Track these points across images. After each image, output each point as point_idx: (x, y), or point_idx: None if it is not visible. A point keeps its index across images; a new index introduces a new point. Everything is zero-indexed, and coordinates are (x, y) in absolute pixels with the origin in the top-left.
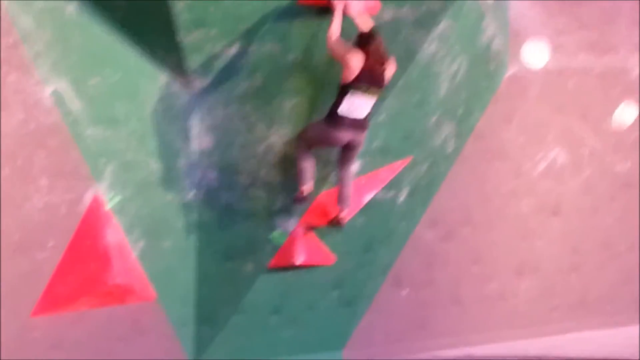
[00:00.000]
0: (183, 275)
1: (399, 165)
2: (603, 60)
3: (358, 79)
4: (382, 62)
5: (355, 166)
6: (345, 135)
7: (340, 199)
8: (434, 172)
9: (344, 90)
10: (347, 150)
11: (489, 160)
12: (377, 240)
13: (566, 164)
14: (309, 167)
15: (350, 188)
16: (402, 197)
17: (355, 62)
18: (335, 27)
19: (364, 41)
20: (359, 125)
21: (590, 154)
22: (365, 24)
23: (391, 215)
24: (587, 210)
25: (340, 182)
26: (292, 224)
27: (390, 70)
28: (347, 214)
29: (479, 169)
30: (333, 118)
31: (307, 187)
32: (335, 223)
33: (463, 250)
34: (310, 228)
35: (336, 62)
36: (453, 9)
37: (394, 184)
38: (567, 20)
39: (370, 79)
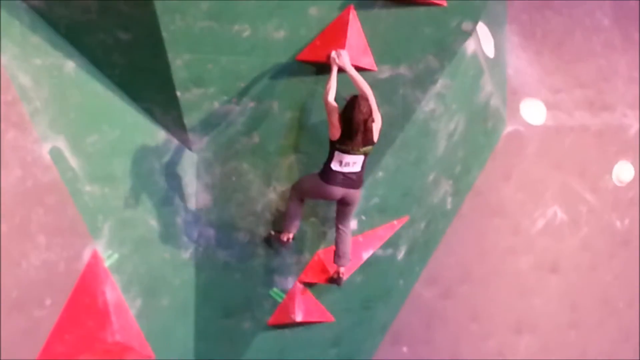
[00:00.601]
0: (181, 333)
1: (397, 223)
2: (600, 117)
3: (342, 137)
4: (365, 120)
5: (353, 224)
6: (337, 191)
7: (337, 257)
8: (432, 230)
9: (332, 147)
10: (343, 207)
11: (487, 218)
12: (376, 298)
13: (564, 222)
14: (295, 215)
15: (348, 245)
16: (401, 254)
17: (336, 127)
18: (330, 85)
19: (350, 101)
20: (351, 181)
21: (588, 211)
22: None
23: (389, 273)
24: (586, 268)
25: (337, 240)
26: (291, 282)
27: (376, 129)
28: (345, 272)
29: (477, 226)
30: (326, 173)
31: (288, 235)
32: (333, 281)
33: (461, 307)
34: (308, 285)
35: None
36: (451, 67)
37: (392, 242)
38: (564, 78)
39: (355, 142)
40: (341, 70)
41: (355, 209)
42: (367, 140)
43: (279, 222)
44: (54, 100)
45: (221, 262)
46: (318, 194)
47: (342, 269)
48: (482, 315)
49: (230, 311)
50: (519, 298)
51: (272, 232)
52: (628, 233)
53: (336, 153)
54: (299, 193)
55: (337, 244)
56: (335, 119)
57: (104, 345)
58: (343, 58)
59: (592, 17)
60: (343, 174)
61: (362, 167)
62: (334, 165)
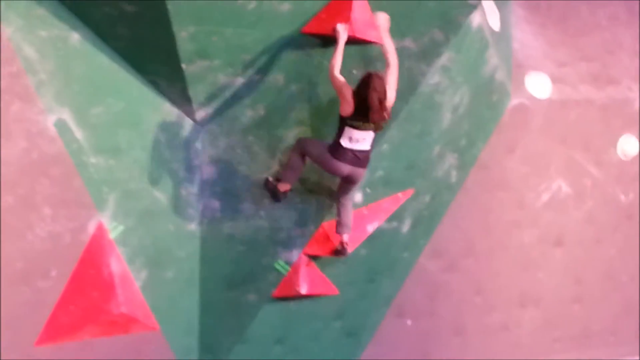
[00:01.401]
0: (186, 304)
1: (402, 196)
2: (605, 91)
3: (354, 113)
4: (380, 99)
5: (357, 196)
6: (344, 168)
7: (339, 225)
8: (436, 203)
9: (342, 123)
10: (347, 183)
11: (491, 191)
12: (380, 271)
13: (569, 195)
14: (297, 168)
15: (349, 215)
16: (405, 228)
17: (348, 102)
18: (336, 59)
19: (364, 79)
20: (359, 160)
21: (593, 185)
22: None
23: (394, 246)
24: (590, 241)
25: (339, 210)
26: (295, 254)
27: (389, 106)
28: (350, 245)
29: (481, 199)
30: (335, 149)
31: (285, 186)
32: (338, 252)
33: (466, 281)
34: (313, 258)
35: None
36: (456, 40)
37: (397, 215)
38: (569, 51)
39: (366, 115)
40: (348, 42)
41: (357, 186)
42: (381, 117)
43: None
44: (59, 72)
45: (226, 234)
46: (323, 165)
47: (345, 238)
48: (486, 289)
49: (235, 283)
50: (523, 271)
51: (271, 179)
52: (632, 207)
53: (346, 129)
54: (304, 151)
55: (338, 214)
56: (348, 94)
57: (109, 317)
58: (381, 21)
59: None
60: (352, 151)
61: (371, 145)
62: (344, 142)
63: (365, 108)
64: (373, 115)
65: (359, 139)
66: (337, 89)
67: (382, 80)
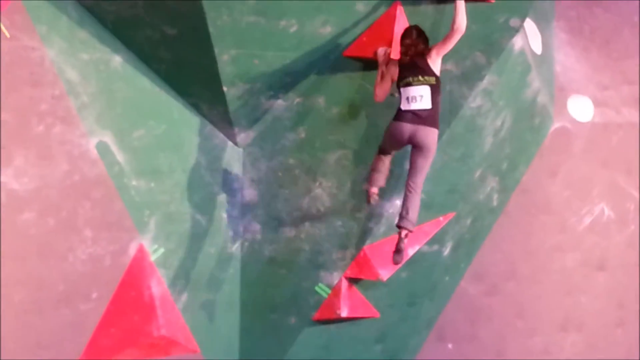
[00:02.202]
0: (226, 327)
1: (443, 219)
2: None
3: (402, 74)
4: (420, 53)
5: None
6: (406, 128)
7: (400, 217)
8: (478, 226)
9: (398, 88)
10: (416, 152)
11: (533, 215)
12: (421, 294)
13: (611, 219)
14: (376, 169)
15: (414, 206)
16: (446, 251)
17: (394, 68)
18: (378, 84)
19: (403, 36)
20: (420, 118)
21: (635, 208)
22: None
23: (435, 269)
24: (633, 266)
25: (404, 197)
26: (336, 277)
27: (439, 52)
28: (392, 268)
29: (523, 223)
30: (397, 113)
31: (372, 188)
32: (396, 251)
33: (507, 304)
34: (354, 281)
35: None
36: (498, 64)
37: (438, 238)
38: (612, 75)
39: (412, 68)
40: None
41: (429, 157)
42: (424, 68)
43: (325, 216)
44: (101, 94)
45: (267, 257)
46: (391, 137)
47: (404, 234)
48: (528, 313)
49: (276, 306)
50: (566, 295)
51: (365, 184)
52: None
53: (401, 90)
54: (381, 144)
55: (403, 202)
56: (392, 66)
57: (149, 339)
58: None
59: None
60: (412, 111)
61: (433, 103)
62: (403, 105)
63: (404, 60)
64: (412, 64)
65: (415, 97)
66: (385, 77)
67: (416, 30)
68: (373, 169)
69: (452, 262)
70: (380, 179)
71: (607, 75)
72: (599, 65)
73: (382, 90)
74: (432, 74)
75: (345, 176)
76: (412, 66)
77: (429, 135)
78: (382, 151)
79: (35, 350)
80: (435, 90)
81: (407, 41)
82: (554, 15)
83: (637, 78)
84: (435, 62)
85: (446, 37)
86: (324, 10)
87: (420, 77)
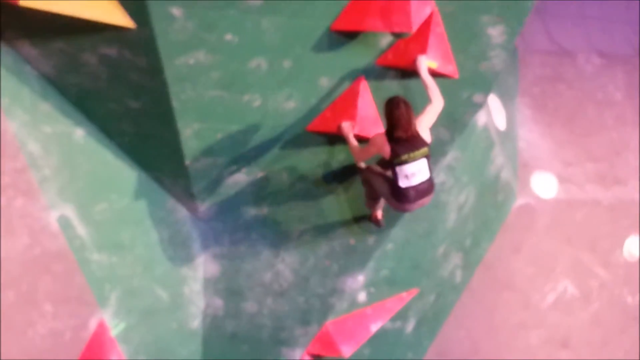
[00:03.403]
0: None
1: (407, 295)
2: (612, 192)
3: (395, 153)
4: (410, 122)
5: (359, 296)
6: (412, 207)
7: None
8: (441, 303)
9: (391, 166)
10: None
11: (497, 291)
12: None
13: (575, 296)
14: (372, 197)
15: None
16: (409, 327)
17: (383, 147)
18: (353, 146)
19: (387, 110)
20: (423, 192)
21: (599, 286)
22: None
23: (398, 346)
24: (597, 344)
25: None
26: (298, 353)
27: (425, 128)
28: (353, 343)
29: (487, 299)
30: (398, 193)
31: (376, 214)
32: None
33: None
34: (316, 358)
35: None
36: (461, 139)
37: (401, 315)
38: (576, 152)
39: (407, 145)
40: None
41: None
42: (419, 142)
43: (288, 292)
44: (63, 168)
45: (229, 332)
46: (391, 205)
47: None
48: None
49: None
50: None
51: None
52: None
53: (397, 169)
54: (371, 189)
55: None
56: (382, 144)
57: None
58: (420, 63)
59: (605, 91)
60: (413, 188)
61: (430, 170)
62: (402, 183)
63: (399, 139)
64: (408, 143)
65: (414, 172)
66: (374, 153)
67: (402, 104)
68: (368, 197)
69: (415, 339)
70: (378, 202)
71: (571, 152)
72: (562, 141)
73: (367, 156)
74: (425, 144)
75: (307, 252)
76: (406, 142)
77: (431, 198)
78: (368, 183)
79: None
80: (429, 158)
81: (397, 113)
82: (517, 92)
83: (601, 155)
84: (425, 133)
85: (427, 109)
86: (288, 85)
87: (415, 152)
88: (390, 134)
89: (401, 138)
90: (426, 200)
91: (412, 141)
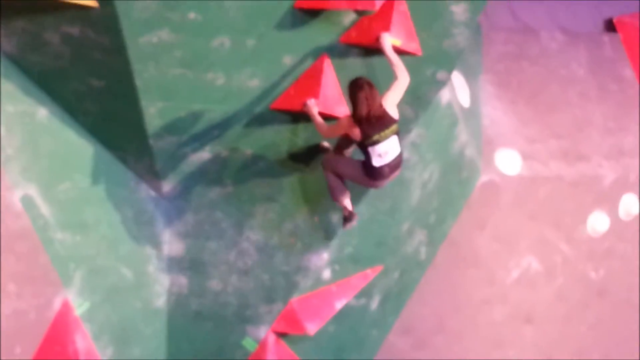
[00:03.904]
0: None
1: (371, 272)
2: (575, 168)
3: (365, 134)
4: (376, 102)
5: (324, 273)
6: (384, 183)
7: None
8: (406, 280)
9: (362, 147)
10: None
11: (461, 268)
12: (349, 348)
13: (539, 272)
14: (339, 187)
15: None
16: (374, 304)
17: (352, 129)
18: (319, 123)
19: (351, 93)
20: (395, 167)
21: (563, 261)
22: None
23: (363, 323)
24: (561, 318)
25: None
26: (263, 331)
27: (392, 106)
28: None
29: (451, 276)
30: (371, 171)
31: (346, 207)
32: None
33: (435, 358)
34: (281, 335)
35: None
36: (425, 117)
37: (366, 292)
38: (539, 128)
39: (377, 125)
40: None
41: None
42: (387, 120)
43: (252, 270)
44: (26, 147)
45: (193, 311)
46: (362, 184)
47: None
48: None
49: None
50: (494, 349)
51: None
52: (603, 284)
53: (369, 149)
54: (336, 172)
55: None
56: (349, 126)
57: None
58: (384, 41)
59: (568, 68)
60: (387, 165)
61: (400, 146)
62: (376, 162)
63: (369, 123)
64: (378, 124)
65: (387, 151)
66: (341, 133)
67: (366, 87)
68: (334, 189)
69: (379, 316)
70: (346, 193)
71: (534, 129)
72: (526, 118)
73: (325, 125)
74: (394, 121)
75: (272, 230)
76: (375, 122)
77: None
78: (339, 176)
79: None
80: (398, 134)
81: (362, 95)
82: (481, 69)
83: (565, 131)
84: (392, 110)
85: (393, 86)
86: (251, 63)
87: (385, 131)
88: (357, 116)
89: (369, 119)
90: (397, 173)
91: (380, 120)
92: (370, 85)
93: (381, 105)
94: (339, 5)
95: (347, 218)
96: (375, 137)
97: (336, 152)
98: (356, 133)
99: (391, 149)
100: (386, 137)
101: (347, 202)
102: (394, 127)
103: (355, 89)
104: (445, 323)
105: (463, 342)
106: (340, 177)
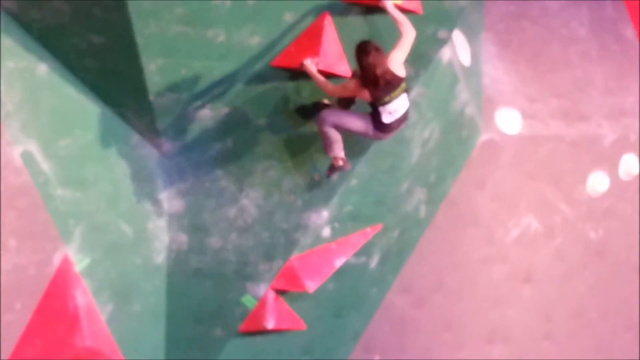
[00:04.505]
0: (152, 338)
1: (371, 231)
2: (575, 128)
3: (376, 96)
4: (384, 67)
5: (324, 231)
6: (392, 134)
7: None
8: (405, 239)
9: (373, 107)
10: None
11: (461, 227)
12: (348, 306)
13: (539, 231)
14: (336, 138)
15: None
16: (374, 263)
17: (360, 92)
18: (321, 82)
19: (360, 56)
20: (404, 118)
21: (562, 221)
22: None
23: (362, 281)
24: (560, 278)
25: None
26: (263, 289)
27: (399, 65)
28: (317, 278)
29: (451, 235)
30: (382, 126)
31: (339, 158)
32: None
33: (434, 317)
34: (281, 293)
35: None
36: (426, 75)
37: (365, 250)
38: (540, 88)
39: (386, 88)
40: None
41: None
42: (396, 80)
43: (252, 228)
44: (26, 103)
45: (193, 268)
46: (369, 137)
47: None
48: (455, 325)
49: (202, 317)
50: (493, 308)
51: (328, 170)
52: (602, 244)
53: (380, 109)
54: (338, 127)
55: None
56: (356, 88)
57: (74, 350)
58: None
59: (569, 28)
60: (396, 120)
61: (408, 100)
62: (386, 119)
63: (379, 86)
64: (388, 86)
65: (397, 109)
66: (346, 95)
67: (375, 52)
68: (330, 140)
69: (379, 274)
70: (341, 144)
71: (535, 88)
72: (527, 78)
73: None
74: (402, 80)
75: (272, 187)
76: (384, 85)
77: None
78: (342, 129)
79: None
80: (407, 91)
81: (370, 60)
82: (482, 28)
83: (565, 91)
84: (399, 68)
85: (398, 44)
86: (252, 20)
87: (395, 91)
88: (365, 81)
89: (378, 84)
90: (403, 124)
91: (389, 82)
92: (377, 49)
93: (389, 69)
94: None
95: (341, 167)
96: (386, 99)
97: (340, 106)
98: (366, 95)
99: (400, 106)
100: (396, 97)
101: (342, 152)
102: (402, 85)
103: (363, 54)
104: (444, 282)
105: (462, 300)
106: (342, 129)
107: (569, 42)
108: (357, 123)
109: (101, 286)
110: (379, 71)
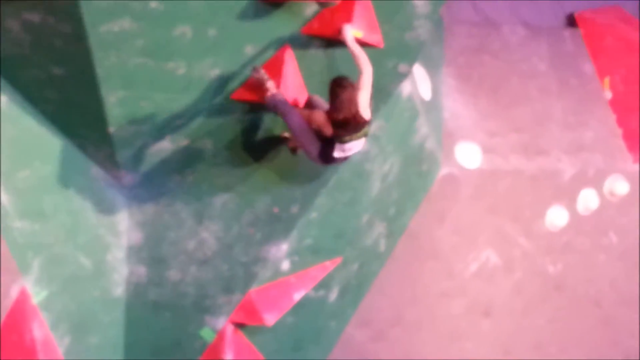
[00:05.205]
0: None
1: (330, 264)
2: (535, 162)
3: (337, 134)
4: (357, 107)
5: (283, 264)
6: (333, 165)
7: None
8: (364, 272)
9: (330, 140)
10: None
11: (420, 261)
12: (307, 339)
13: (498, 265)
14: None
15: None
16: (333, 296)
17: (326, 126)
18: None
19: (335, 90)
20: (351, 157)
21: (521, 255)
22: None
23: (321, 314)
24: (519, 312)
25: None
26: (222, 321)
27: (365, 101)
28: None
29: (410, 269)
30: (328, 158)
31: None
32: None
33: (394, 351)
34: (239, 326)
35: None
36: (386, 109)
37: (325, 283)
38: (500, 122)
39: (349, 130)
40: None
41: None
42: (362, 123)
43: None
44: None
45: (152, 300)
46: (308, 157)
47: None
48: (414, 359)
49: (160, 350)
50: (452, 342)
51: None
52: (561, 278)
53: (336, 144)
54: (297, 125)
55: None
56: (323, 123)
57: None
58: (346, 32)
59: (529, 62)
60: (345, 157)
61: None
62: (337, 154)
63: (347, 126)
64: (354, 128)
65: (352, 148)
66: (311, 125)
67: (352, 89)
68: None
69: (338, 308)
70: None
71: (495, 123)
72: (487, 112)
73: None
74: (366, 123)
75: (231, 220)
76: (350, 125)
77: None
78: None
79: None
80: (367, 135)
81: (345, 97)
82: (443, 62)
83: (525, 125)
84: (366, 110)
85: (360, 82)
86: (213, 52)
87: (358, 133)
88: (335, 118)
89: (347, 124)
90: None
91: (356, 123)
92: (353, 87)
93: (359, 111)
94: None
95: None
96: (347, 139)
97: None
98: (328, 131)
99: (355, 147)
100: (357, 139)
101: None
102: (365, 129)
103: (339, 89)
104: (403, 315)
105: (421, 334)
106: (297, 128)
107: (528, 77)
108: (309, 142)
109: (59, 319)
110: (353, 109)
